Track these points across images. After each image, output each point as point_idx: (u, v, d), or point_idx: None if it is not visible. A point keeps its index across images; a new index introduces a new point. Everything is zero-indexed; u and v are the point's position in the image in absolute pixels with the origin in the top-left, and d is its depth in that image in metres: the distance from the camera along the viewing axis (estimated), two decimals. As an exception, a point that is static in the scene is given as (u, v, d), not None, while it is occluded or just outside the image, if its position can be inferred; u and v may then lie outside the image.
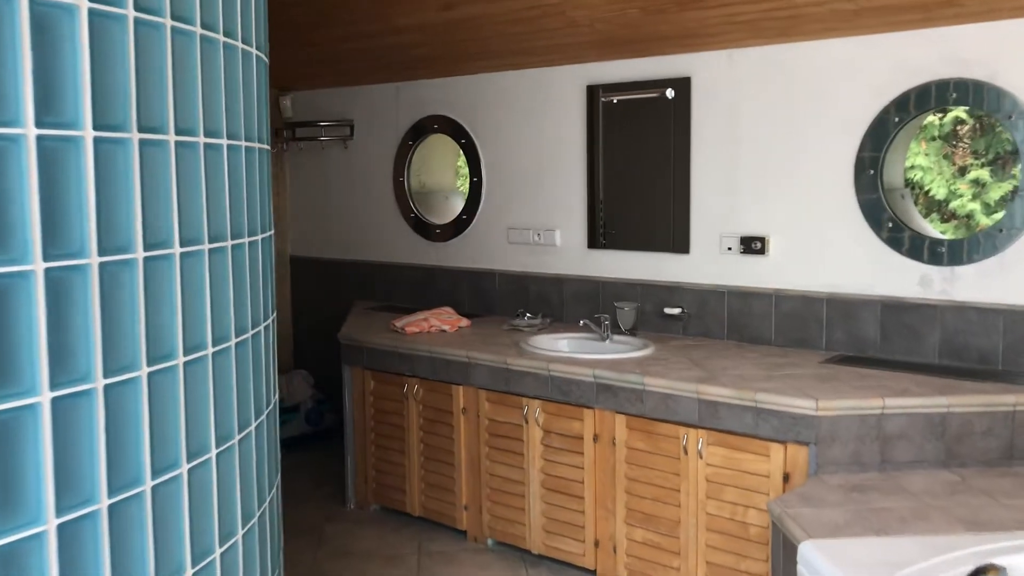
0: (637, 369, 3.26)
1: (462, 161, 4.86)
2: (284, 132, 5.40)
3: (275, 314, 1.60)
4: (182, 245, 1.14)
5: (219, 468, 1.25)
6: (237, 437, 1.32)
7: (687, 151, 3.82)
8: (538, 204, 4.35)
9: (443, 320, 4.14)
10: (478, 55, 4.30)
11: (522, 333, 3.99)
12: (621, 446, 3.27)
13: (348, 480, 4.25)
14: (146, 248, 1.07)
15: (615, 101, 4.03)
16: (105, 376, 1.01)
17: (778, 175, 3.61)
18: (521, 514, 3.59)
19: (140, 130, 1.07)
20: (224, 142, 1.28)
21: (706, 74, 3.76)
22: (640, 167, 4.00)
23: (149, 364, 1.08)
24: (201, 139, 1.19)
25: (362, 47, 4.47)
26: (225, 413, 1.28)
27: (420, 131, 4.82)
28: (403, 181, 4.93)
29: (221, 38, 1.29)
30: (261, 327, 1.43)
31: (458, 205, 4.74)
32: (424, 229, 4.86)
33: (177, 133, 1.13)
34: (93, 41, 1.00)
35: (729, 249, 3.74)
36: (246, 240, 1.38)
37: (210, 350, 1.22)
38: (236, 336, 1.31)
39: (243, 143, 1.36)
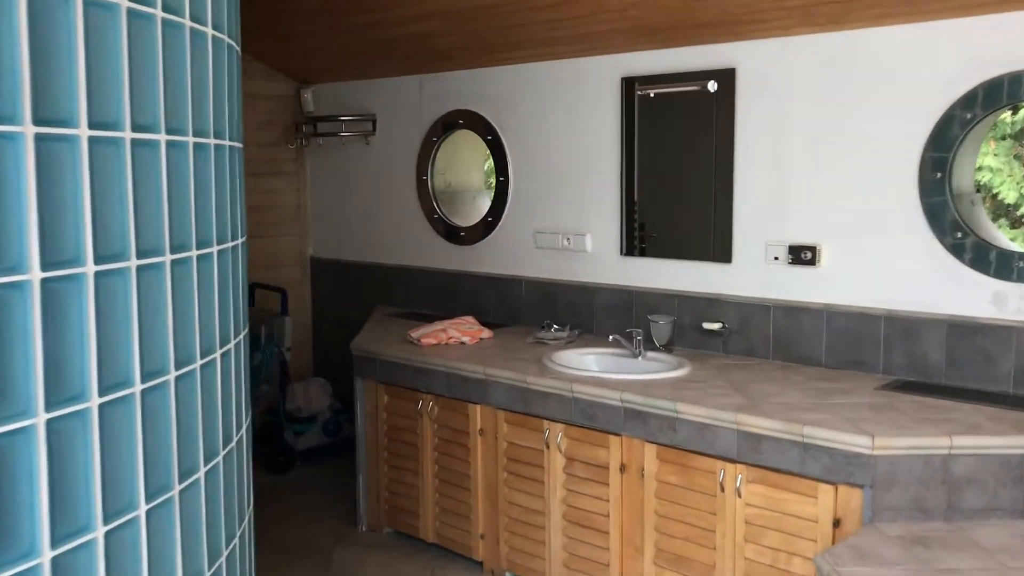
0: (670, 393, 2.95)
1: (491, 159, 4.58)
2: (304, 127, 5.17)
3: (246, 330, 1.50)
4: (172, 252, 1.09)
5: (207, 485, 1.20)
6: (221, 453, 1.27)
7: (730, 149, 3.49)
8: (568, 206, 4.06)
9: (462, 331, 3.87)
10: (506, 45, 4.01)
11: (547, 347, 3.70)
12: (651, 479, 2.97)
13: (360, 500, 4.01)
14: (139, 256, 1.02)
15: (652, 95, 3.71)
16: (100, 394, 0.96)
17: (831, 177, 3.27)
18: (541, 547, 3.30)
19: (123, 128, 0.99)
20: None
21: (752, 65, 3.43)
22: (679, 167, 3.69)
23: (143, 380, 1.03)
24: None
25: (384, 36, 4.22)
26: (210, 433, 1.23)
27: (445, 127, 4.55)
28: (427, 180, 4.66)
29: (187, 23, 1.16)
30: (231, 345, 1.34)
31: (485, 206, 4.46)
32: (448, 231, 4.59)
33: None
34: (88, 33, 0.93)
35: (776, 259, 3.41)
36: (215, 249, 1.28)
37: (198, 363, 1.17)
38: (216, 350, 1.25)
39: (213, 140, 1.26)
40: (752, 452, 2.72)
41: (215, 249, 1.27)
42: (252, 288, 5.12)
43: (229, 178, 1.36)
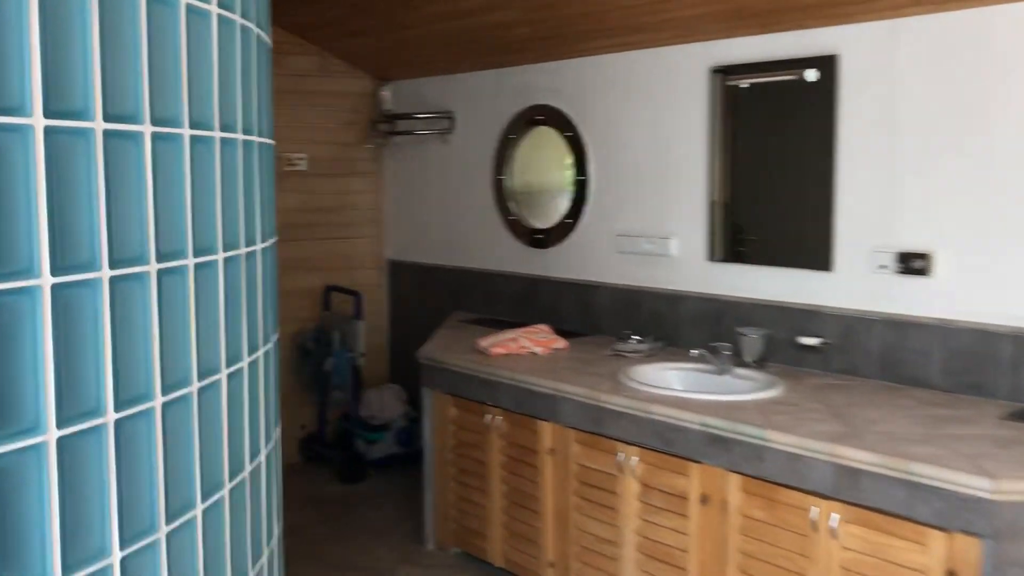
0: (757, 418, 2.65)
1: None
2: (381, 125, 5.03)
3: (276, 336, 1.43)
4: (195, 255, 1.03)
5: (231, 504, 1.13)
6: (249, 468, 1.20)
7: (831, 144, 3.15)
8: (652, 207, 3.77)
9: (535, 340, 3.63)
10: (585, 34, 3.76)
11: (626, 360, 3.43)
12: (734, 513, 2.67)
13: (426, 517, 3.82)
14: (160, 259, 0.95)
15: (744, 85, 3.40)
16: (117, 409, 0.90)
17: (949, 176, 2.90)
18: (613, 580, 3.04)
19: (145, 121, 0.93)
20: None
21: (858, 51, 3.07)
22: (773, 164, 3.36)
23: (163, 393, 0.96)
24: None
25: (458, 27, 4.02)
26: (236, 446, 1.16)
27: (523, 123, 4.33)
28: (503, 180, 4.45)
29: (214, 9, 1.08)
30: (259, 353, 1.26)
31: (564, 207, 4.21)
32: (525, 234, 4.37)
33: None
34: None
35: (883, 267, 3.05)
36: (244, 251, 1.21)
37: (223, 373, 1.10)
38: (243, 359, 1.18)
39: (241, 136, 1.18)
40: (851, 489, 2.39)
41: (243, 252, 1.20)
42: (327, 291, 5.01)
43: (259, 176, 1.30)
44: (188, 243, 1.02)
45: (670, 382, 3.23)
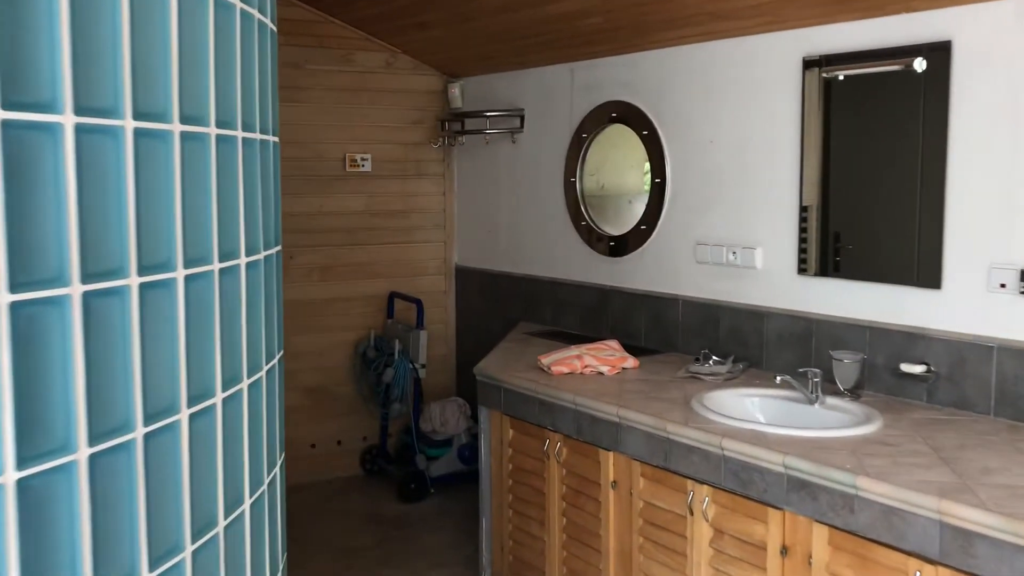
0: (849, 460, 2.29)
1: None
2: (448, 124, 4.81)
3: (281, 352, 1.33)
4: (220, 260, 0.98)
5: (252, 519, 1.10)
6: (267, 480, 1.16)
7: (943, 144, 2.75)
8: (735, 213, 3.43)
9: (601, 359, 3.33)
10: (663, 23, 3.44)
11: (701, 384, 3.10)
12: (820, 569, 2.32)
13: (482, 546, 3.56)
14: (186, 265, 0.91)
15: (841, 77, 3.03)
16: (145, 423, 0.85)
17: (1087, 180, 2.47)
18: (681, 634, 2.72)
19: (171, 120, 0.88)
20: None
21: (974, 36, 2.67)
22: (874, 166, 2.98)
23: (190, 404, 0.93)
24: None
25: (526, 18, 3.75)
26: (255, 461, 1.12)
27: (596, 121, 4.03)
28: (575, 182, 4.16)
29: (237, 3, 1.02)
30: (264, 369, 1.18)
31: (640, 213, 3.89)
32: (597, 241, 4.07)
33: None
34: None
35: (1002, 286, 2.64)
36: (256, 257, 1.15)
37: (245, 383, 1.06)
38: (262, 368, 1.14)
39: (259, 136, 1.13)
40: (961, 553, 2.02)
41: (262, 256, 1.16)
42: (390, 298, 4.82)
43: (274, 177, 1.26)
44: (213, 247, 0.97)
45: (750, 412, 2.89)
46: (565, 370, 3.28)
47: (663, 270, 3.74)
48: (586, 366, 3.30)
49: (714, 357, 3.31)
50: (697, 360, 3.30)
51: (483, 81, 4.74)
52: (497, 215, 4.72)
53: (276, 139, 1.41)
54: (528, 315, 4.50)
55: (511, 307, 4.63)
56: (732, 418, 2.68)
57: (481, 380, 3.48)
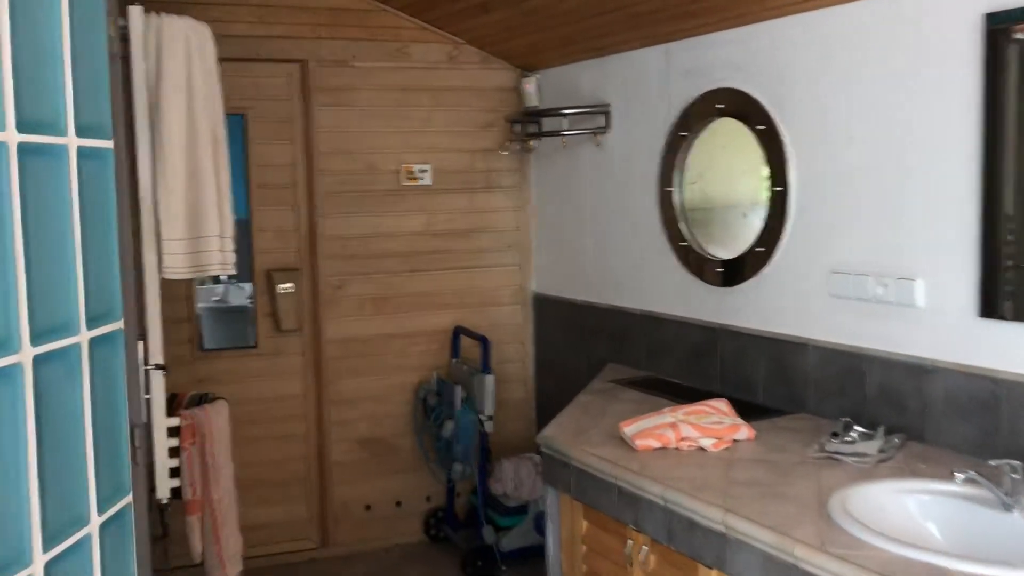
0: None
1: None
2: (522, 126, 4.09)
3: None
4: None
5: None
6: None
7: None
8: (885, 232, 2.58)
9: (705, 428, 2.54)
10: (783, -18, 2.63)
11: (842, 470, 2.27)
12: None
13: (551, 664, 2.81)
14: None
15: (1045, 38, 2.15)
16: None
17: None
18: None
19: None
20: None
21: None
22: (1098, 164, 2.09)
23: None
24: None
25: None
26: None
27: (699, 115, 3.24)
28: (672, 192, 3.37)
29: None
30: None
31: (755, 230, 3.07)
32: (701, 265, 3.27)
33: None
34: None
35: None
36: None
37: None
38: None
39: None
40: None
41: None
42: (455, 334, 4.13)
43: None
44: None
45: (917, 524, 2.04)
46: (654, 444, 2.50)
47: (787, 305, 2.91)
48: (683, 439, 2.51)
49: (858, 428, 2.47)
50: (835, 435, 2.45)
51: (563, 73, 4.01)
52: (580, 234, 3.97)
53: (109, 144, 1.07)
54: (618, 356, 3.73)
55: (598, 345, 3.87)
56: (892, 539, 1.85)
57: (547, 453, 2.73)
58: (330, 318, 4.01)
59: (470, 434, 3.78)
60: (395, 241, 4.09)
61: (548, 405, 4.25)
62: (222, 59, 3.73)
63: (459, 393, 3.80)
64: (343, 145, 3.97)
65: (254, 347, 3.98)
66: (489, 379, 3.75)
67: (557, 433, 2.74)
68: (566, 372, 4.13)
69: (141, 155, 2.50)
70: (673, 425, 2.55)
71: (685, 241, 3.33)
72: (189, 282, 3.81)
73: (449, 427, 3.77)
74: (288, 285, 3.92)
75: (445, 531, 4.14)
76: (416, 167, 4.09)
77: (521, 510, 3.87)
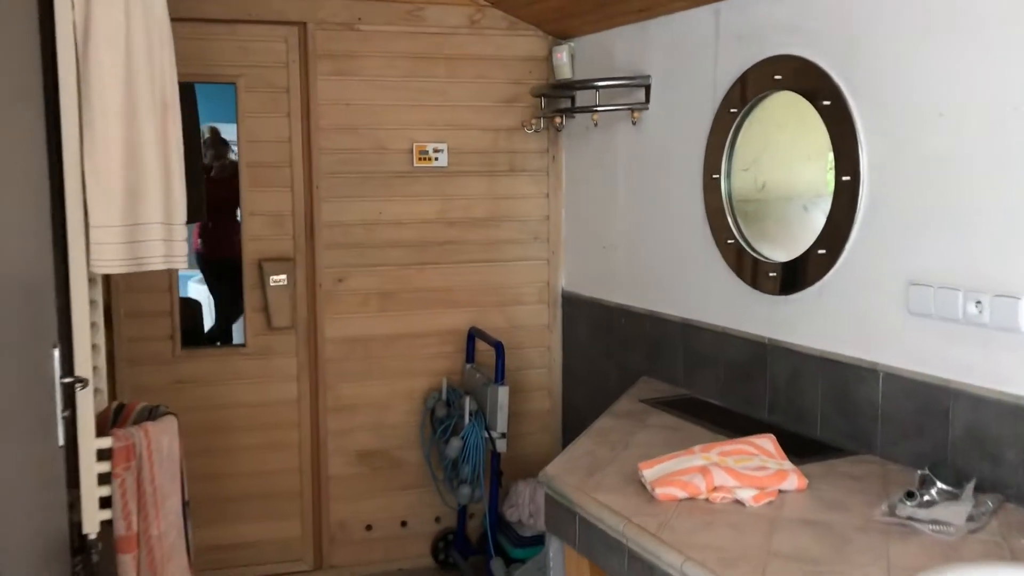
0: None
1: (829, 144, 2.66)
2: (548, 101, 3.62)
3: None
4: None
5: None
6: None
7: None
8: (980, 236, 2.06)
9: (745, 475, 2.06)
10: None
11: (917, 539, 1.78)
12: None
13: None
14: None
15: None
16: None
17: None
18: None
19: None
20: None
21: None
22: None
23: None
24: None
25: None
26: None
27: (752, 88, 2.74)
28: (719, 180, 2.88)
29: None
30: None
31: (816, 228, 2.56)
32: (751, 268, 2.77)
33: None
34: None
35: None
36: None
37: None
38: None
39: None
40: None
41: None
42: (470, 336, 3.69)
43: None
44: None
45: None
46: (679, 494, 2.03)
47: (853, 321, 2.41)
48: (715, 488, 2.04)
49: (939, 484, 1.97)
50: (911, 496, 1.95)
51: (598, 41, 3.53)
52: (612, 226, 3.50)
53: None
54: (653, 368, 3.26)
55: (631, 354, 3.40)
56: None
57: (550, 494, 2.28)
58: (329, 315, 3.60)
59: (479, 453, 3.34)
60: (404, 230, 3.66)
61: (575, 418, 3.80)
62: (208, 20, 3.38)
63: (468, 405, 3.36)
64: (347, 120, 3.54)
65: (243, 346, 3.60)
66: (502, 391, 3.31)
67: (564, 471, 2.29)
68: (596, 382, 3.67)
69: (66, 124, 2.10)
70: (704, 470, 2.07)
71: (733, 238, 2.84)
72: (171, 272, 3.45)
73: (455, 446, 3.33)
74: (281, 277, 3.52)
75: (453, 556, 3.73)
76: (430, 146, 3.65)
77: (538, 540, 3.43)
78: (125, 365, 3.42)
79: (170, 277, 3.45)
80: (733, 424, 2.61)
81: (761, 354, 2.73)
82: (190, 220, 4.49)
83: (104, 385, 2.52)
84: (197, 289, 5.15)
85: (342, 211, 3.58)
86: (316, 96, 3.51)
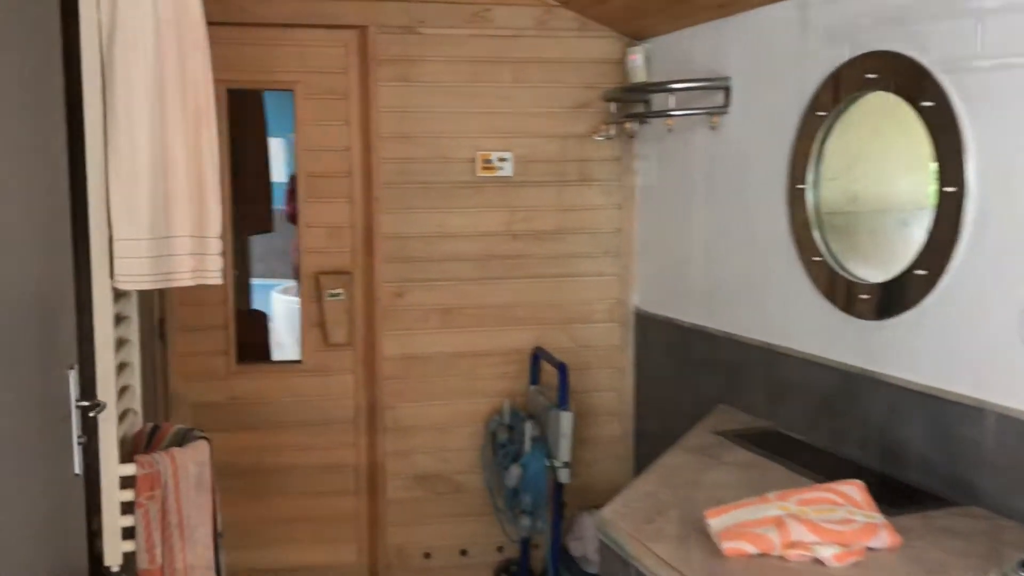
0: None
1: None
2: (619, 106, 3.40)
3: None
4: None
5: None
6: None
7: None
8: (1115, 256, 1.76)
9: (828, 529, 1.80)
10: None
11: (1036, 624, 1.50)
12: None
13: None
14: None
15: None
16: None
17: None
18: None
19: None
20: None
21: None
22: None
23: None
24: None
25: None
26: None
27: (842, 88, 2.47)
28: (804, 191, 2.61)
29: None
30: None
31: (915, 245, 2.28)
32: (841, 289, 2.50)
33: None
34: None
35: None
36: None
37: None
38: None
39: None
40: None
41: None
42: (535, 356, 3.49)
43: None
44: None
45: None
46: (749, 550, 1.79)
47: (959, 352, 2.12)
48: (791, 544, 1.78)
49: (1064, 549, 1.67)
50: (1027, 564, 1.66)
51: (674, 42, 3.29)
52: (687, 240, 3.25)
53: None
54: (731, 396, 3.00)
55: (708, 380, 3.15)
56: None
57: (605, 541, 2.06)
58: (387, 331, 3.45)
59: (540, 483, 3.13)
60: (467, 243, 3.49)
61: (648, 446, 3.55)
62: (264, 24, 3.27)
63: (529, 431, 3.16)
64: (407, 128, 3.39)
65: (299, 362, 3.47)
66: (566, 417, 3.09)
67: (620, 515, 2.06)
68: (670, 408, 3.42)
69: (89, 131, 1.99)
70: (780, 522, 1.82)
71: (820, 255, 2.56)
72: (225, 285, 3.35)
73: (515, 474, 3.13)
74: (338, 291, 3.39)
75: (517, 589, 3.53)
76: (495, 155, 3.47)
77: (603, 578, 3.19)
78: (180, 381, 3.34)
79: (225, 290, 3.35)
80: (818, 463, 2.34)
81: (851, 386, 2.45)
82: (257, 232, 4.49)
83: (138, 406, 2.41)
84: (284, 300, 5.08)
85: (402, 223, 3.42)
86: (376, 103, 3.36)
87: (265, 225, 4.50)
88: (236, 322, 3.41)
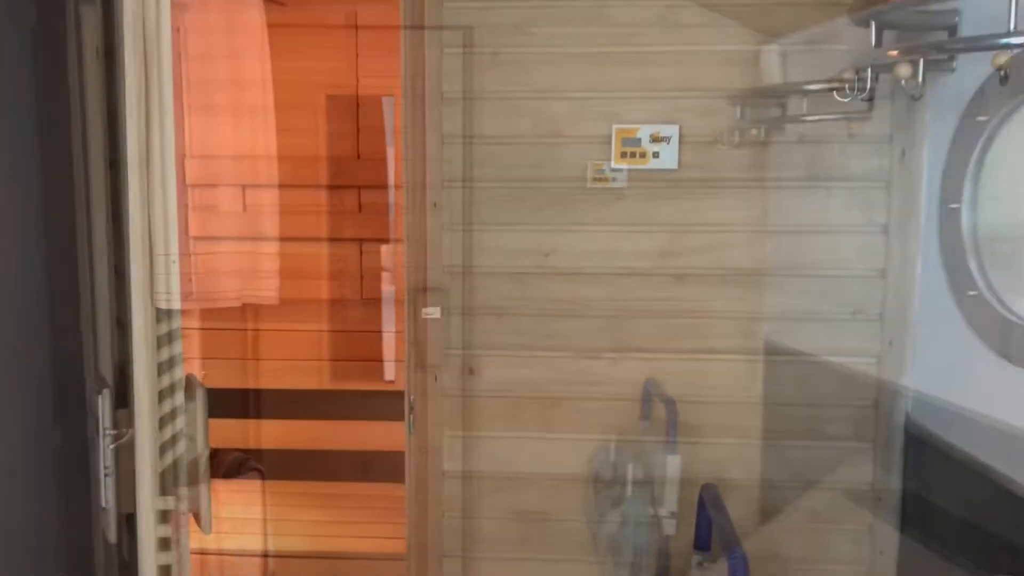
0: None
1: None
2: (744, 110, 3.05)
3: None
4: None
5: None
6: None
7: None
8: None
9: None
10: None
11: None
12: None
13: None
14: None
15: None
16: None
17: None
18: None
19: None
20: None
21: None
22: None
23: None
24: None
25: None
26: None
27: (1012, 86, 2.05)
28: (958, 210, 2.20)
29: None
30: None
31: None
32: (1000, 329, 2.08)
33: None
34: None
35: None
36: None
37: None
38: None
39: None
40: None
41: None
42: (646, 390, 3.18)
43: None
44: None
45: None
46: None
47: None
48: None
49: None
50: None
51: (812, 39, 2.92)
52: (815, 264, 2.87)
53: None
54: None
55: (835, 423, 2.75)
56: None
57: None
58: (486, 354, 3.22)
59: (643, 533, 2.82)
60: (576, 259, 3.21)
61: (775, 496, 3.17)
62: (365, 27, 3.13)
63: (631, 473, 2.85)
64: (513, 134, 3.16)
65: (391, 383, 3.31)
66: (673, 461, 2.77)
67: (703, 598, 1.74)
68: (800, 454, 3.03)
69: (130, 139, 1.86)
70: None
71: (975, 290, 2.15)
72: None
73: (612, 521, 2.83)
74: (434, 310, 3.19)
75: (621, 647, 3.22)
76: (607, 164, 3.18)
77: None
78: (271, 398, 3.24)
79: (319, 305, 3.22)
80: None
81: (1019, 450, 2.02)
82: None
83: (197, 431, 2.29)
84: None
85: (505, 238, 3.19)
86: (482, 108, 3.15)
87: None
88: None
